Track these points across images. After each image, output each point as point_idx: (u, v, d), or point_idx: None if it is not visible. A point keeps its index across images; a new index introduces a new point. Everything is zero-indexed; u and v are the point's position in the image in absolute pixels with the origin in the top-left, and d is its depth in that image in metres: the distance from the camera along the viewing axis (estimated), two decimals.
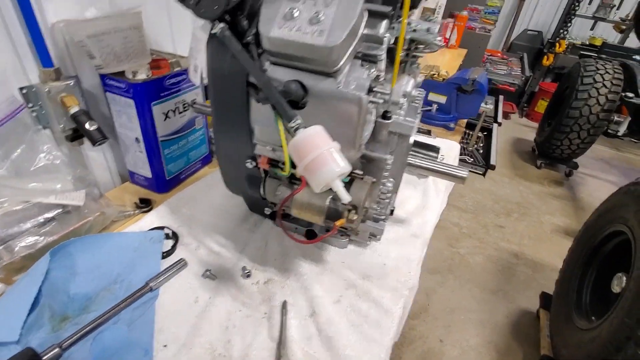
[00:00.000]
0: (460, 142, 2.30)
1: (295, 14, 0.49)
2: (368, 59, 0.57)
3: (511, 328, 2.07)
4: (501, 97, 2.93)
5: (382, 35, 0.54)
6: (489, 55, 4.35)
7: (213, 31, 0.53)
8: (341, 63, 0.50)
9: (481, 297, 2.23)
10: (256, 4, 0.53)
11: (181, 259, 0.75)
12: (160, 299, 0.68)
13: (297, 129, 0.46)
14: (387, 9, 0.52)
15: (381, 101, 0.53)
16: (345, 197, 0.45)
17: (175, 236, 0.81)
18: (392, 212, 0.96)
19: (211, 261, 0.78)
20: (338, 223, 0.57)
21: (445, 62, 2.69)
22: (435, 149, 1.02)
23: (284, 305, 0.69)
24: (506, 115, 4.66)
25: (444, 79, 1.52)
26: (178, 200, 0.93)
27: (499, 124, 2.47)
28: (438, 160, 1.01)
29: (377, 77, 0.59)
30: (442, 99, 1.48)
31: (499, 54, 4.52)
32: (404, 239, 0.91)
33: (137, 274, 0.70)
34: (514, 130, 4.45)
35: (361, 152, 0.60)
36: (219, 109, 0.62)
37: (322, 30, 0.48)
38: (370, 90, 0.58)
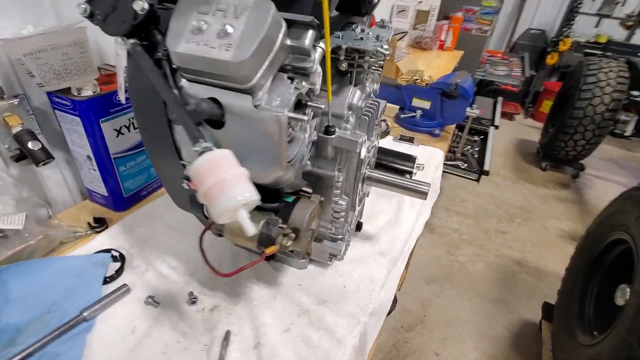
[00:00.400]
0: (450, 147, 2.22)
1: (204, 27, 0.45)
2: (299, 72, 0.53)
3: (512, 341, 1.97)
4: (500, 99, 2.84)
5: (309, 47, 0.49)
6: (489, 56, 4.25)
7: (124, 47, 0.50)
8: (256, 78, 0.46)
9: (481, 307, 2.14)
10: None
11: (124, 284, 0.71)
12: (95, 329, 0.64)
13: (201, 154, 0.42)
14: (308, 18, 0.47)
15: (306, 118, 0.48)
16: (250, 229, 0.40)
17: (122, 259, 0.78)
18: (359, 227, 0.90)
19: (158, 285, 0.74)
20: (268, 251, 0.52)
21: (441, 64, 2.62)
22: (412, 159, 0.97)
23: (227, 335, 0.65)
24: (510, 116, 4.55)
25: (427, 84, 1.46)
26: (133, 219, 0.90)
27: (496, 127, 2.38)
28: (414, 170, 0.96)
29: (311, 90, 0.55)
30: (426, 105, 1.42)
31: (500, 55, 4.41)
32: (369, 257, 0.85)
33: (74, 302, 0.67)
34: (518, 131, 4.32)
35: (294, 172, 0.55)
36: (143, 129, 0.59)
37: (230, 44, 0.43)
38: (301, 105, 0.54)
